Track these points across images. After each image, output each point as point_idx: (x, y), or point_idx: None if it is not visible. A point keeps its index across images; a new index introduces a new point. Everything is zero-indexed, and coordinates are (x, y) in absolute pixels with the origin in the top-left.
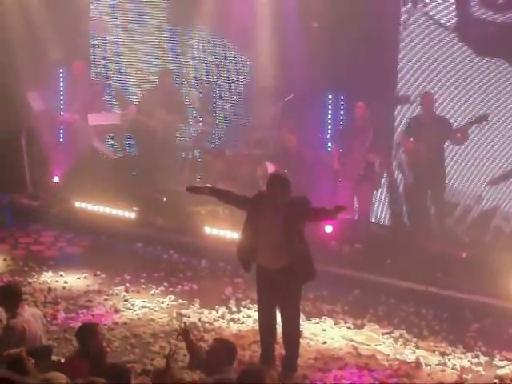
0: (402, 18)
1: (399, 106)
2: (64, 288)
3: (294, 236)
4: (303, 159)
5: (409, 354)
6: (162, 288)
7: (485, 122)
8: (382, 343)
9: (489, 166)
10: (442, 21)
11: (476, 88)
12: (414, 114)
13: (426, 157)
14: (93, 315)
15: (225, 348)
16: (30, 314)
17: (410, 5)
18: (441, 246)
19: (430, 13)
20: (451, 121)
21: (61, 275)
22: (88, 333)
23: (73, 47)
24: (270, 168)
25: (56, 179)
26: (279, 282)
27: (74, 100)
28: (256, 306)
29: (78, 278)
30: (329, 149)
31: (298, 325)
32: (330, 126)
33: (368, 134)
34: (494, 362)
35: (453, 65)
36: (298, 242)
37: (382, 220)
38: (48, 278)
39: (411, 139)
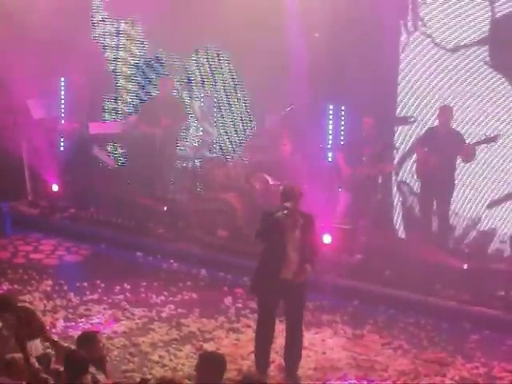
0: (402, 38)
1: (399, 124)
2: (63, 297)
3: (306, 247)
4: (300, 168)
5: (408, 365)
6: (161, 297)
7: (494, 142)
8: (381, 354)
9: (490, 187)
10: (441, 41)
11: (477, 108)
12: (431, 126)
13: (436, 167)
14: (92, 324)
15: (214, 361)
16: None
17: (410, 24)
18: (441, 256)
19: (429, 32)
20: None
21: (60, 284)
22: (88, 341)
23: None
24: (270, 181)
25: (55, 187)
26: (288, 292)
27: (74, 109)
28: (255, 315)
29: (78, 287)
30: (329, 159)
31: (302, 334)
32: (330, 137)
33: (376, 147)
34: (492, 374)
35: (452, 84)
36: (308, 253)
37: (383, 230)
38: (47, 286)
39: (425, 149)
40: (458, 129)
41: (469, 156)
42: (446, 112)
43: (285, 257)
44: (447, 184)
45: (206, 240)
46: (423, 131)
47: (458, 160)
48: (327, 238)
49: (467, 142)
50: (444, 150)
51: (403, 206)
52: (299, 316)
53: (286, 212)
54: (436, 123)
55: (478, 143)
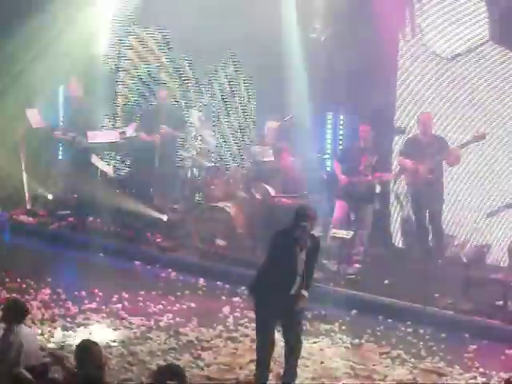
0: (400, 45)
1: (398, 133)
2: (61, 306)
3: (307, 270)
4: (299, 178)
5: (406, 375)
6: (159, 306)
7: (482, 140)
8: (379, 363)
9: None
10: (438, 50)
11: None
12: (411, 135)
13: (425, 177)
14: (90, 333)
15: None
16: (26, 333)
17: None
18: (439, 266)
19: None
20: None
21: (58, 293)
22: (87, 349)
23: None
24: (271, 192)
25: (50, 196)
26: (287, 307)
27: (69, 118)
28: (254, 325)
29: (76, 296)
30: (327, 168)
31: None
32: (328, 146)
33: (374, 155)
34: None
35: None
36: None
37: (381, 240)
38: (45, 295)
39: (407, 160)
40: (450, 135)
41: (456, 160)
42: (426, 118)
43: (294, 276)
44: (438, 191)
45: (205, 249)
46: (403, 141)
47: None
48: None
49: (451, 145)
50: (429, 157)
51: (401, 215)
52: (297, 332)
53: (304, 231)
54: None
55: (466, 144)
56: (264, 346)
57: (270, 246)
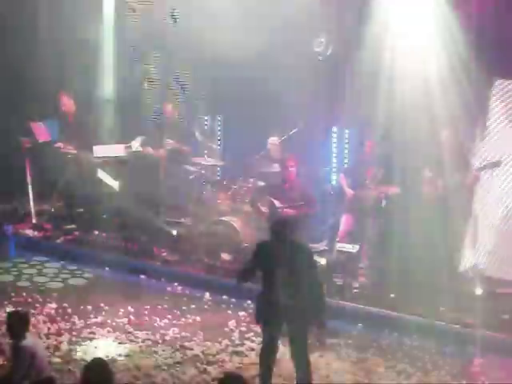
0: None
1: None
2: (67, 320)
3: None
4: (304, 188)
5: None
6: (165, 320)
7: (497, 167)
8: (385, 377)
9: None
10: None
11: None
12: None
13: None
14: (96, 347)
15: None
16: (34, 342)
17: None
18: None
19: None
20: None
21: (64, 307)
22: (97, 366)
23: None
24: (277, 204)
25: (55, 210)
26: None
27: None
28: (260, 339)
29: (82, 310)
30: (333, 182)
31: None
32: (334, 160)
33: (379, 169)
34: None
35: None
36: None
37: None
38: (51, 309)
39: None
40: None
41: (474, 182)
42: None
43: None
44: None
45: (210, 263)
46: None
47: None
48: (323, 261)
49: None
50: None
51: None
52: (302, 342)
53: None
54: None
55: (483, 168)
56: (267, 354)
57: (253, 257)
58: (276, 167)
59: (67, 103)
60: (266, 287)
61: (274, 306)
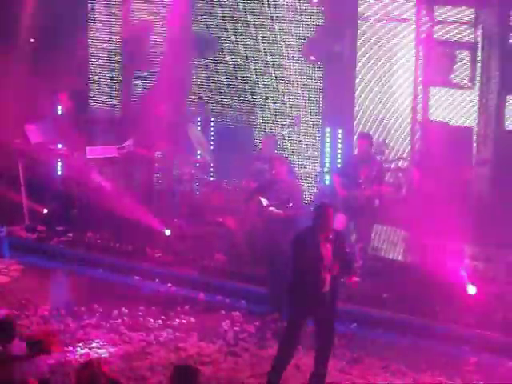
0: None
1: None
2: (61, 321)
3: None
4: (293, 188)
5: None
6: (159, 321)
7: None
8: (379, 377)
9: None
10: None
11: None
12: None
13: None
14: (90, 348)
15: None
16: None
17: None
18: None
19: None
20: None
21: (57, 308)
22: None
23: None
24: (264, 202)
25: (45, 210)
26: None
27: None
28: (254, 339)
29: (75, 311)
30: (327, 182)
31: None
32: (327, 160)
33: (373, 168)
34: None
35: None
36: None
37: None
38: (45, 311)
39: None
40: None
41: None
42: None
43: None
44: None
45: (204, 264)
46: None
47: None
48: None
49: None
50: None
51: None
52: (331, 320)
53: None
54: None
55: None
56: (290, 344)
57: (293, 248)
58: (267, 167)
59: (67, 103)
60: (308, 276)
61: (316, 293)
